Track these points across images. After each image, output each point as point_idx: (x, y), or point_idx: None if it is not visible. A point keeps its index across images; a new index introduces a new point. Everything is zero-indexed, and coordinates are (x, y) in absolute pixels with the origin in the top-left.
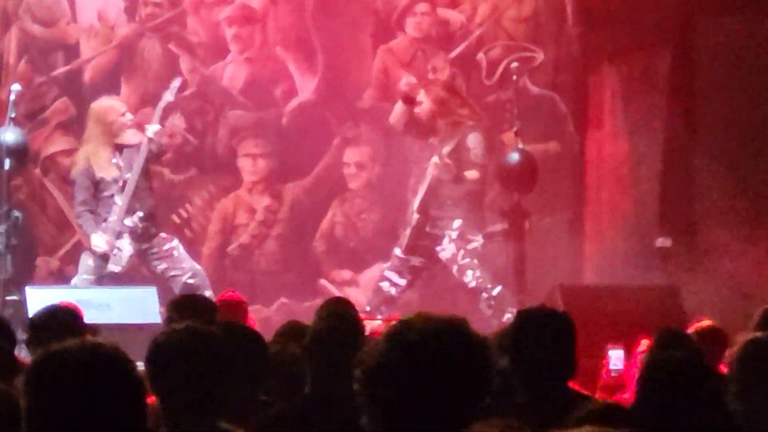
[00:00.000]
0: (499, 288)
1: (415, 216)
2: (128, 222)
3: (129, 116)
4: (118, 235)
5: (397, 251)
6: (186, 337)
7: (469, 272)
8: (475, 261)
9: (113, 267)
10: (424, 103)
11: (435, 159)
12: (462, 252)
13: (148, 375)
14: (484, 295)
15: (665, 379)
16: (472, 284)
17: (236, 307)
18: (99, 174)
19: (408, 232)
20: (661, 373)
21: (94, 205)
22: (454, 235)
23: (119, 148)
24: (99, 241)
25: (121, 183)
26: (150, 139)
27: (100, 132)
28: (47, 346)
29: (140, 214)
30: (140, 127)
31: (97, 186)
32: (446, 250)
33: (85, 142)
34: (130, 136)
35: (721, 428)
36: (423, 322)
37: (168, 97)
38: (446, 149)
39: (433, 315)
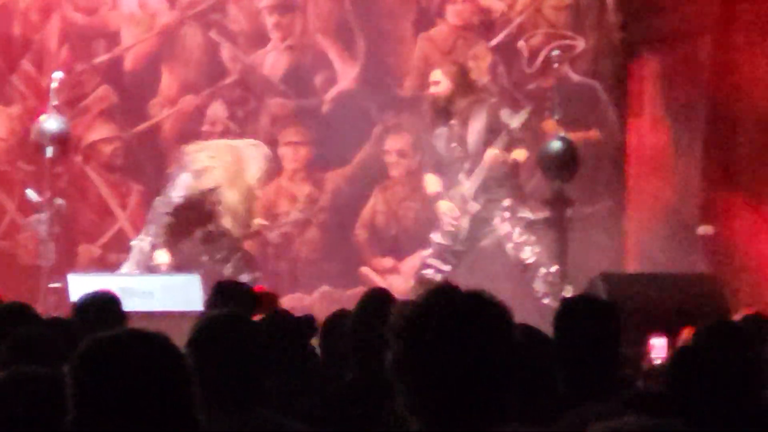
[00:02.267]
0: (556, 267)
1: (476, 204)
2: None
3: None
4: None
5: (437, 237)
6: (227, 323)
7: (527, 248)
8: (533, 237)
9: (147, 268)
10: (442, 83)
11: (491, 152)
12: (518, 229)
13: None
14: (543, 270)
15: (692, 368)
16: (531, 260)
17: (268, 300)
18: None
19: (466, 222)
20: (687, 363)
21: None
22: (506, 214)
23: None
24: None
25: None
26: None
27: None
28: (94, 333)
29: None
30: None
31: None
32: (498, 229)
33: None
34: None
35: (754, 417)
36: (444, 297)
37: None
38: (516, 122)
39: (455, 289)
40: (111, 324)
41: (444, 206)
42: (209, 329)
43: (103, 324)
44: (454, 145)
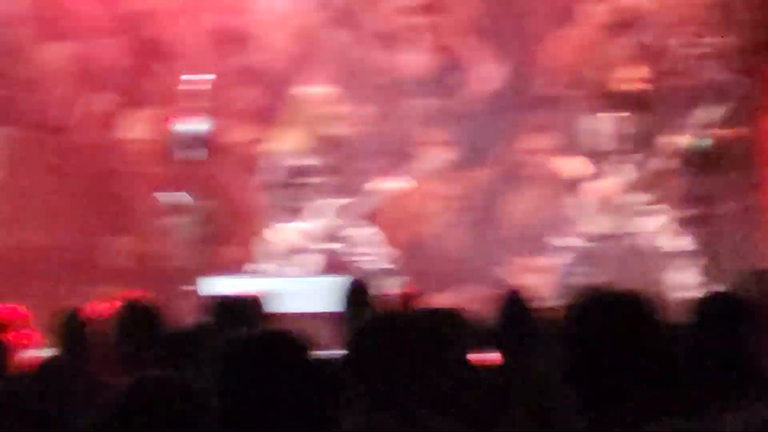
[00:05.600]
0: (703, 261)
1: (644, 196)
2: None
3: (342, 109)
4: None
5: (578, 241)
6: (392, 322)
7: (681, 239)
8: (683, 230)
9: (289, 269)
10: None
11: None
12: (668, 222)
13: (349, 361)
14: (693, 262)
15: None
16: (688, 248)
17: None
18: (293, 160)
19: (631, 212)
20: None
21: (282, 190)
22: (660, 206)
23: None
24: (277, 235)
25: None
26: None
27: (304, 119)
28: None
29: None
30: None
31: (288, 171)
32: (649, 222)
33: (283, 126)
34: (337, 128)
35: None
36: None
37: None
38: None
39: (612, 290)
40: (248, 326)
41: (604, 184)
42: (371, 330)
43: (241, 326)
44: (626, 132)
